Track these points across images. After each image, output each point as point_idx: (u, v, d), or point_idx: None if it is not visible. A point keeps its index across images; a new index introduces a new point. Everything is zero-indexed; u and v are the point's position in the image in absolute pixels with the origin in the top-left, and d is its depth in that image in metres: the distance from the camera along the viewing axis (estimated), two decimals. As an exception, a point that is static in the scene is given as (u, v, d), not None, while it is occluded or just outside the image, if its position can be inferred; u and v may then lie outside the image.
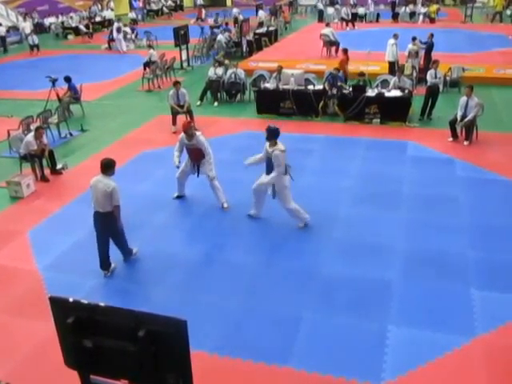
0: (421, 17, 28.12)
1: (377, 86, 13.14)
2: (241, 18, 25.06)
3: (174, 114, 11.99)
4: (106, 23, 30.07)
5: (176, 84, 12.11)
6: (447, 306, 5.83)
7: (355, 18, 27.39)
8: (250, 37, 21.66)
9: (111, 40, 23.51)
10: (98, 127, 12.62)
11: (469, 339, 5.33)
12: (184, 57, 18.75)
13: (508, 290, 6.07)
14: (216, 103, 14.22)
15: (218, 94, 14.40)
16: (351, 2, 30.08)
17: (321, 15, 29.79)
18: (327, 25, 20.74)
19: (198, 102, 14.01)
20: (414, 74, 14.61)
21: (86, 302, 2.88)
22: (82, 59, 21.50)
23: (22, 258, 7.09)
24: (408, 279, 6.34)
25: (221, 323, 5.69)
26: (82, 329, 2.81)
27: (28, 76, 18.40)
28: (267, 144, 7.21)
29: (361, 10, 28.99)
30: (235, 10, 29.07)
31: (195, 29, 22.47)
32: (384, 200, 8.38)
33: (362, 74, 12.82)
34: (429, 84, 12.27)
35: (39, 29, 28.58)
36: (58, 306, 2.90)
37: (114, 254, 6.66)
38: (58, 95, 13.18)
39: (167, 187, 8.74)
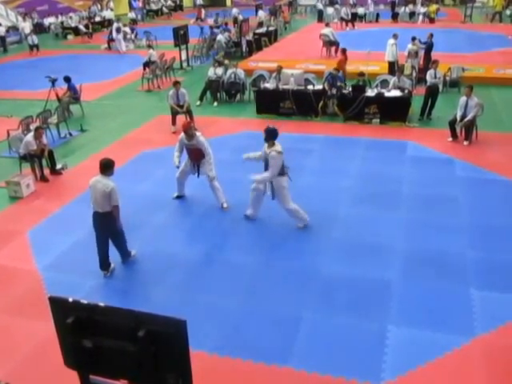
0: (420, 17, 28.15)
1: (376, 86, 13.15)
2: (240, 18, 25.07)
3: (174, 113, 11.99)
4: (106, 23, 30.09)
5: (176, 84, 12.11)
6: (447, 306, 5.83)
7: (355, 17, 27.40)
8: (250, 37, 21.67)
9: (111, 40, 23.51)
10: (97, 127, 12.62)
11: (468, 339, 5.33)
12: (184, 57, 18.76)
13: (508, 289, 6.07)
14: (216, 103, 14.22)
15: (218, 94, 14.40)
16: (351, 2, 30.11)
17: (320, 15, 29.80)
18: (327, 25, 20.75)
19: (198, 102, 14.01)
20: (414, 74, 14.62)
21: (85, 302, 2.88)
22: (82, 59, 21.50)
23: (22, 258, 7.09)
24: (408, 279, 6.34)
25: (221, 323, 5.69)
26: (81, 329, 2.81)
27: (28, 76, 18.39)
28: (266, 145, 7.21)
29: (360, 10, 29.01)
30: (235, 10, 29.09)
31: (195, 29, 22.48)
32: (384, 200, 8.38)
33: (361, 74, 12.82)
34: (428, 84, 12.27)
35: (39, 29, 28.59)
36: (58, 306, 2.90)
37: (114, 254, 6.66)
38: (57, 95, 13.18)
39: (167, 187, 8.73)
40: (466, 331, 5.43)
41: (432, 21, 27.50)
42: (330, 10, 30.30)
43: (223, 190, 8.16)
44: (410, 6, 29.87)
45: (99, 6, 33.33)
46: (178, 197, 8.63)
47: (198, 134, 7.95)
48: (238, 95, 14.42)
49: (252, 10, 29.80)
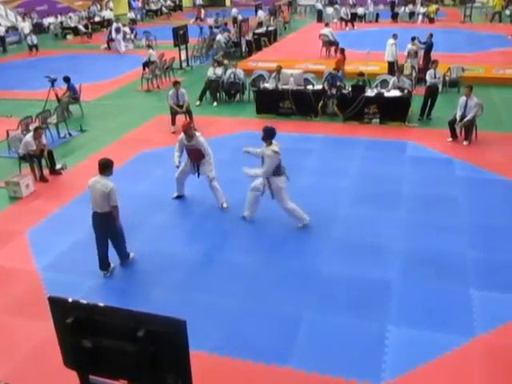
0: (420, 17, 28.17)
1: (376, 86, 13.15)
2: (240, 17, 25.08)
3: (174, 114, 11.99)
4: (105, 23, 30.08)
5: (176, 84, 12.10)
6: (447, 306, 5.82)
7: (354, 17, 27.41)
8: (250, 37, 21.67)
9: (110, 40, 23.51)
10: (97, 127, 12.62)
11: (468, 339, 5.32)
12: (183, 57, 18.75)
13: (507, 289, 6.07)
14: (215, 103, 14.22)
15: (218, 94, 14.39)
16: (350, 2, 30.13)
17: (320, 15, 29.81)
18: (326, 25, 20.76)
19: (198, 102, 14.01)
20: (414, 74, 14.62)
21: (85, 302, 2.88)
22: (81, 59, 21.49)
23: (21, 258, 7.09)
24: (407, 279, 6.34)
25: (220, 323, 5.69)
26: (81, 329, 2.81)
27: (27, 76, 18.38)
28: (264, 144, 7.22)
29: (360, 10, 29.02)
30: (234, 10, 29.09)
31: (194, 29, 22.49)
32: (383, 200, 8.38)
33: (361, 74, 12.82)
34: (428, 84, 12.27)
35: (38, 29, 28.58)
36: (57, 306, 2.89)
37: (113, 254, 6.65)
38: (57, 95, 13.16)
39: (167, 187, 8.73)
40: (465, 331, 5.43)
41: (432, 21, 27.51)
42: (329, 10, 30.31)
43: (223, 190, 8.15)
44: (410, 6, 29.89)
45: (99, 6, 33.34)
46: (178, 197, 8.62)
47: (197, 134, 7.95)
48: (238, 95, 14.42)
49: (251, 9, 29.83)
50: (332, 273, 6.52)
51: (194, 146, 7.93)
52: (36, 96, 14.40)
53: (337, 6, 30.44)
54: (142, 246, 7.16)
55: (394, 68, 14.85)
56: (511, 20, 27.95)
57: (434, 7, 28.33)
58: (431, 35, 16.04)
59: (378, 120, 12.17)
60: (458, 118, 10.73)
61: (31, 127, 10.34)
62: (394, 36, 15.62)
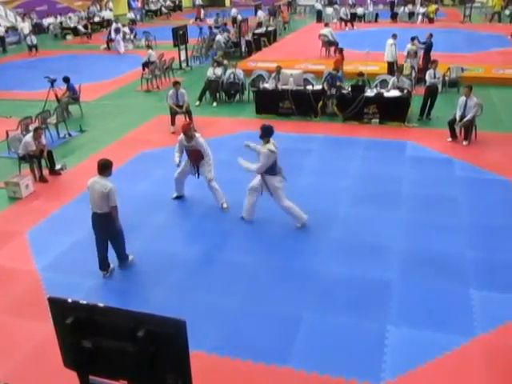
0: (420, 17, 28.18)
1: (376, 86, 13.15)
2: (239, 18, 25.08)
3: (173, 114, 11.99)
4: (105, 23, 30.09)
5: (176, 84, 12.10)
6: (446, 306, 5.82)
7: (354, 18, 27.42)
8: (249, 37, 21.67)
9: (110, 40, 23.52)
10: (96, 127, 12.61)
11: (468, 339, 5.33)
12: (183, 57, 18.75)
13: (507, 289, 6.07)
14: (215, 103, 14.22)
15: (217, 94, 14.39)
16: (350, 2, 30.15)
17: (319, 15, 29.81)
18: (326, 25, 20.77)
19: (197, 103, 14.01)
20: (413, 74, 14.64)
21: (84, 302, 2.87)
22: (81, 59, 21.50)
23: (21, 258, 7.09)
24: (407, 279, 6.34)
25: (220, 323, 5.69)
26: (80, 329, 2.80)
27: (27, 76, 18.37)
28: (262, 142, 7.26)
29: (359, 10, 29.04)
30: (234, 10, 29.09)
31: (194, 29, 22.49)
32: (383, 200, 8.38)
33: (361, 74, 12.82)
34: (428, 84, 12.27)
35: (38, 29, 28.58)
36: (57, 306, 2.89)
37: (113, 254, 6.65)
38: (56, 95, 13.16)
39: (166, 187, 8.73)
40: (465, 331, 5.43)
41: (431, 21, 27.53)
42: (328, 10, 30.30)
43: (222, 190, 8.15)
44: (410, 6, 29.91)
45: (98, 7, 33.34)
46: (178, 197, 8.62)
47: (197, 135, 7.95)
48: (238, 95, 14.42)
49: (251, 10, 29.83)
50: (332, 273, 6.52)
51: (193, 147, 7.93)
52: (35, 96, 14.39)
53: (336, 6, 30.47)
54: (142, 246, 7.16)
55: (393, 68, 14.86)
56: (511, 20, 27.95)
57: (433, 7, 28.34)
58: (431, 35, 16.04)
59: (377, 120, 12.17)
60: (457, 118, 10.73)
61: (31, 127, 10.33)
62: (394, 36, 15.62)
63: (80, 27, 27.94)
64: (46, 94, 12.96)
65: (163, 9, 37.05)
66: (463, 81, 14.00)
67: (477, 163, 9.75)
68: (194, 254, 7.07)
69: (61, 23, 29.19)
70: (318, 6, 30.99)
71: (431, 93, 12.22)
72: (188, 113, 12.00)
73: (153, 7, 36.93)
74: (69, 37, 27.91)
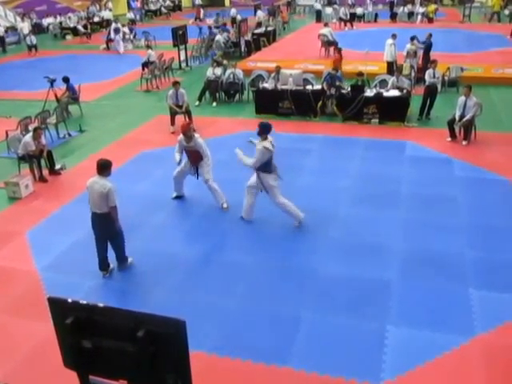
0: (419, 17, 28.19)
1: (375, 86, 13.16)
2: (239, 18, 25.07)
3: (173, 114, 11.99)
4: (104, 23, 30.09)
5: (175, 84, 12.11)
6: (446, 306, 5.83)
7: (353, 17, 27.42)
8: (249, 37, 21.68)
9: (109, 40, 23.51)
10: (96, 127, 12.61)
11: (468, 339, 5.33)
12: (182, 57, 18.75)
13: (507, 289, 6.08)
14: (214, 103, 14.22)
15: (217, 94, 14.40)
16: (349, 2, 30.16)
17: (319, 15, 29.80)
18: (325, 25, 20.78)
19: (197, 103, 14.01)
20: (413, 74, 14.65)
21: (84, 302, 2.87)
22: (81, 59, 21.50)
23: (21, 258, 7.09)
24: (407, 279, 6.34)
25: (220, 323, 5.69)
26: (80, 329, 2.81)
27: (26, 76, 18.37)
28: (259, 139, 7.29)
29: (359, 10, 29.05)
30: (233, 10, 29.08)
31: (194, 29, 22.49)
32: (383, 200, 8.38)
33: (360, 74, 12.82)
34: (427, 84, 12.27)
35: (37, 29, 28.58)
36: (57, 306, 2.89)
37: (113, 255, 6.65)
38: (56, 96, 13.16)
39: (166, 187, 8.72)
40: (465, 331, 5.44)
41: (431, 21, 27.53)
42: (328, 10, 30.32)
43: (222, 190, 8.15)
44: (409, 6, 29.91)
45: (98, 7, 33.34)
46: (177, 197, 8.62)
47: (196, 135, 7.95)
48: (237, 95, 14.43)
49: (250, 10, 29.83)
50: (331, 273, 6.52)
51: (192, 148, 7.93)
52: (35, 96, 14.38)
53: (336, 5, 30.46)
54: (142, 246, 7.16)
55: (393, 68, 14.87)
56: (510, 20, 27.96)
57: (432, 7, 28.34)
58: (430, 35, 16.05)
59: (377, 120, 12.18)
60: (457, 118, 10.74)
61: (30, 127, 10.33)
62: (393, 36, 15.62)
63: (79, 27, 27.93)
64: (45, 94, 12.96)
65: (163, 9, 37.05)
66: (463, 80, 14.00)
67: (476, 163, 9.75)
68: (193, 254, 7.07)
69: (60, 23, 29.19)
70: (318, 6, 30.98)
71: (431, 93, 12.23)
72: (188, 113, 12.00)
73: (152, 7, 36.92)
74: (68, 37, 27.92)
